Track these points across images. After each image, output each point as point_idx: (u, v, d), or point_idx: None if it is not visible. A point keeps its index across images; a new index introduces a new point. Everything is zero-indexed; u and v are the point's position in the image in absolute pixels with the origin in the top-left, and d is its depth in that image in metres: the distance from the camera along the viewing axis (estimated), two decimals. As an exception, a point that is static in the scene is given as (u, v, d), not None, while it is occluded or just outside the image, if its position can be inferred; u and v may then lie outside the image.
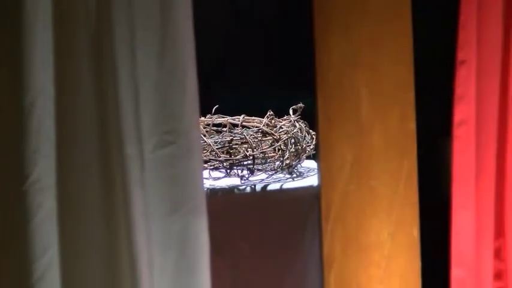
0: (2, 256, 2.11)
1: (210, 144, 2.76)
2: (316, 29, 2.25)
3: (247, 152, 2.79)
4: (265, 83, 3.72)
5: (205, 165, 2.70)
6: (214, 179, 2.72)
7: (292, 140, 2.82)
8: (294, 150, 2.82)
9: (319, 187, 2.27)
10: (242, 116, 2.95)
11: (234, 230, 2.67)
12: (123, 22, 2.22)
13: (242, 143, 2.81)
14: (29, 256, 2.08)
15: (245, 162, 2.80)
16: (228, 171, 2.76)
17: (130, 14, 2.20)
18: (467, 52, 2.45)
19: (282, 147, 2.80)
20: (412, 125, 2.28)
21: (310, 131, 2.79)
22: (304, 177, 2.78)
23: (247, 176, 2.76)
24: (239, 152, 2.80)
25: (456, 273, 2.42)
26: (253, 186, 2.76)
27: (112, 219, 2.16)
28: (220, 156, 2.78)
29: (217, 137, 2.88)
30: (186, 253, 2.20)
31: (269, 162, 2.81)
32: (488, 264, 2.42)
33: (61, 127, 2.13)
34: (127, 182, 2.13)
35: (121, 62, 2.17)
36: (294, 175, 2.81)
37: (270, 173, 2.78)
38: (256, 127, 2.90)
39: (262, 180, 2.74)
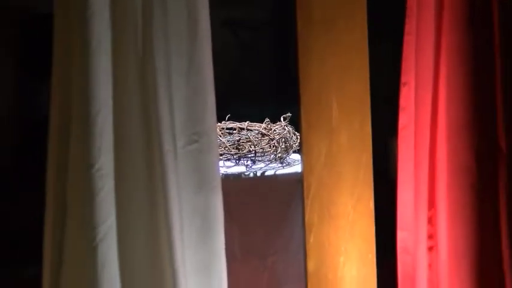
0: (75, 223, 2.22)
1: (224, 142, 2.84)
2: (301, 61, 2.35)
3: (251, 148, 2.88)
4: (264, 98, 3.71)
5: (221, 157, 2.76)
6: (227, 167, 2.81)
7: (283, 139, 2.91)
8: (284, 146, 2.90)
9: (301, 173, 2.36)
10: (247, 122, 3.02)
11: (240, 203, 2.72)
12: (161, 50, 2.27)
13: (247, 141, 2.90)
14: (94, 223, 2.18)
15: (249, 155, 2.89)
16: (237, 161, 2.86)
17: (167, 45, 2.27)
18: (408, 76, 2.51)
19: (275, 144, 2.89)
20: (368, 129, 2.38)
21: (296, 132, 2.84)
22: (291, 166, 2.86)
23: (250, 165, 2.85)
24: (245, 147, 2.89)
25: (401, 234, 2.51)
26: (255, 172, 2.84)
27: (154, 197, 2.24)
28: (231, 151, 2.86)
29: (229, 137, 2.95)
30: (207, 220, 2.30)
31: (266, 155, 2.89)
32: (424, 228, 2.48)
33: (117, 130, 2.22)
34: (165, 170, 2.21)
35: (160, 81, 2.24)
36: (284, 164, 2.89)
37: (267, 163, 2.87)
38: (257, 130, 2.99)
39: (261, 168, 2.84)
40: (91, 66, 2.18)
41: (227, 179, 2.69)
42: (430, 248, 2.49)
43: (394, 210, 2.53)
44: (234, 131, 3.03)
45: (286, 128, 2.92)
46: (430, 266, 2.50)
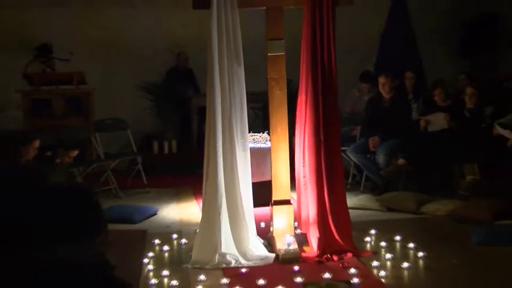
0: (212, 160, 3.40)
1: (250, 139, 3.87)
2: (270, 117, 3.44)
3: (258, 139, 4.32)
4: (261, 127, 4.86)
5: (250, 142, 3.69)
6: (251, 145, 3.84)
7: (266, 138, 4.33)
8: (266, 140, 4.25)
9: (269, 147, 3.62)
10: (255, 133, 4.28)
11: (254, 155, 3.84)
12: (232, 106, 3.32)
13: (255, 138, 4.33)
14: (217, 160, 3.45)
15: (257, 141, 4.34)
16: (253, 144, 4.23)
17: (235, 106, 3.34)
18: (298, 119, 3.53)
19: (264, 139, 4.32)
20: (286, 133, 3.51)
21: (269, 135, 3.72)
22: (268, 145, 4.01)
23: (257, 144, 4.26)
24: (255, 140, 4.31)
25: (297, 163, 3.68)
26: (258, 147, 4.26)
27: (232, 154, 3.49)
28: (252, 141, 4.12)
29: (252, 137, 4.16)
30: (245, 158, 3.52)
31: (261, 142, 4.35)
32: (301, 161, 3.59)
33: (223, 133, 3.40)
34: (235, 147, 3.51)
35: (234, 122, 3.43)
36: (266, 145, 4.23)
37: (262, 144, 4.26)
38: (259, 135, 4.38)
39: (260, 146, 4.26)
40: (215, 111, 3.33)
41: (250, 148, 3.62)
42: (303, 165, 3.62)
43: (293, 156, 3.71)
44: (253, 136, 4.32)
45: (267, 135, 4.23)
46: (304, 170, 3.60)
